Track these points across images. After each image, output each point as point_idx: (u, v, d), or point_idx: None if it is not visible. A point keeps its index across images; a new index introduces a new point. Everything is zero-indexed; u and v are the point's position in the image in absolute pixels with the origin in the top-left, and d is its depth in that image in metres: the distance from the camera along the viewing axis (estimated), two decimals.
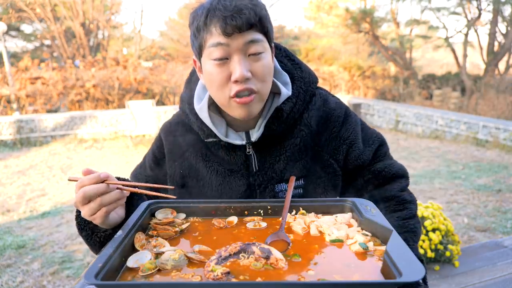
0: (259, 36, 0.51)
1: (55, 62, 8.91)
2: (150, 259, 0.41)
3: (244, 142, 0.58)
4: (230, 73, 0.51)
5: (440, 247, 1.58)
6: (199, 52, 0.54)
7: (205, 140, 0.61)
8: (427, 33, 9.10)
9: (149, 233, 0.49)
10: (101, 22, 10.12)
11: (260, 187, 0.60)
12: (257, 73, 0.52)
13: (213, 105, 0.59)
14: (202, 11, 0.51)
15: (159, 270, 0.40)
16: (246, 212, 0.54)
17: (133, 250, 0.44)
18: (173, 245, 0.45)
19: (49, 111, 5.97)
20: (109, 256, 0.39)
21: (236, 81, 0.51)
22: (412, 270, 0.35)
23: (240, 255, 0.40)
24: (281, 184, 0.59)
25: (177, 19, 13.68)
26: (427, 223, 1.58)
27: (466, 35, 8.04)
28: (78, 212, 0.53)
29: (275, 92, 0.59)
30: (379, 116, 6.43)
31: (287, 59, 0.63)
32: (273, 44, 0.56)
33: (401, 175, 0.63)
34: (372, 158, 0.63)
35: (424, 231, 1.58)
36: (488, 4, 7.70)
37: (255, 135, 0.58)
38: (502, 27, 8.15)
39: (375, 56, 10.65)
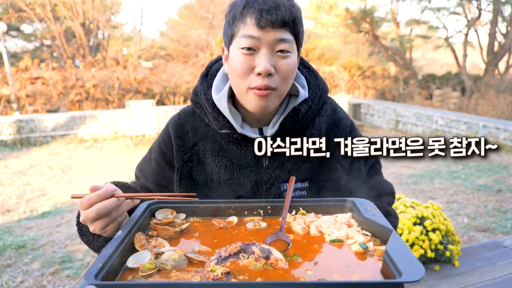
0: (289, 36, 0.53)
1: (55, 62, 8.89)
2: (150, 259, 0.41)
3: (259, 136, 0.59)
4: (254, 65, 0.53)
5: (440, 247, 1.58)
6: (229, 40, 0.55)
7: (219, 132, 0.61)
8: (427, 33, 9.10)
9: (149, 233, 0.49)
10: (101, 22, 10.11)
11: (267, 184, 0.60)
12: (280, 70, 0.53)
13: (230, 98, 0.60)
14: (241, 1, 0.53)
15: (159, 270, 0.40)
16: (246, 212, 0.54)
17: (133, 250, 0.44)
18: (173, 245, 0.45)
19: (49, 111, 5.95)
20: (109, 256, 0.39)
21: (258, 74, 0.52)
22: (412, 270, 0.35)
23: (240, 255, 0.40)
24: (287, 184, 0.60)
25: (177, 19, 13.66)
26: (427, 223, 1.58)
27: (466, 35, 8.04)
28: (78, 217, 0.52)
29: (292, 93, 0.61)
30: (379, 116, 6.43)
31: (302, 66, 0.66)
32: (300, 49, 0.57)
33: (391, 193, 0.68)
34: (367, 173, 0.67)
35: (424, 231, 1.58)
36: (488, 4, 7.70)
37: (269, 131, 0.59)
38: (502, 27, 8.17)
39: (375, 56, 10.65)
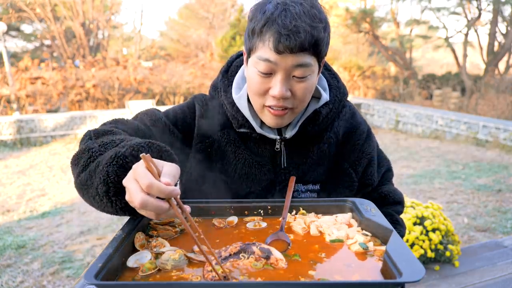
0: (309, 59, 0.50)
1: (55, 62, 8.89)
2: (150, 259, 0.41)
3: (278, 137, 0.59)
4: (270, 86, 0.52)
5: (440, 247, 1.57)
6: (248, 52, 0.54)
7: (237, 130, 0.60)
8: (427, 33, 9.09)
9: (149, 233, 0.48)
10: (101, 22, 10.11)
11: (281, 185, 0.60)
12: (297, 94, 0.52)
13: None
14: (262, 16, 0.50)
15: (159, 270, 0.40)
16: (246, 212, 0.54)
17: (133, 250, 0.44)
18: (173, 245, 0.45)
19: (49, 111, 5.95)
20: (109, 256, 0.39)
21: (273, 97, 0.52)
22: (412, 270, 0.35)
23: (240, 255, 0.40)
24: (298, 184, 0.61)
25: (177, 19, 13.65)
26: (427, 223, 1.58)
27: (466, 35, 8.03)
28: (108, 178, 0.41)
29: (313, 96, 0.60)
30: (379, 116, 6.43)
31: (325, 69, 0.65)
32: (323, 60, 0.55)
33: (401, 202, 0.69)
34: (380, 180, 0.68)
35: (424, 231, 1.58)
36: (488, 4, 7.69)
37: (289, 133, 0.59)
38: (502, 27, 8.16)
39: (375, 56, 10.64)
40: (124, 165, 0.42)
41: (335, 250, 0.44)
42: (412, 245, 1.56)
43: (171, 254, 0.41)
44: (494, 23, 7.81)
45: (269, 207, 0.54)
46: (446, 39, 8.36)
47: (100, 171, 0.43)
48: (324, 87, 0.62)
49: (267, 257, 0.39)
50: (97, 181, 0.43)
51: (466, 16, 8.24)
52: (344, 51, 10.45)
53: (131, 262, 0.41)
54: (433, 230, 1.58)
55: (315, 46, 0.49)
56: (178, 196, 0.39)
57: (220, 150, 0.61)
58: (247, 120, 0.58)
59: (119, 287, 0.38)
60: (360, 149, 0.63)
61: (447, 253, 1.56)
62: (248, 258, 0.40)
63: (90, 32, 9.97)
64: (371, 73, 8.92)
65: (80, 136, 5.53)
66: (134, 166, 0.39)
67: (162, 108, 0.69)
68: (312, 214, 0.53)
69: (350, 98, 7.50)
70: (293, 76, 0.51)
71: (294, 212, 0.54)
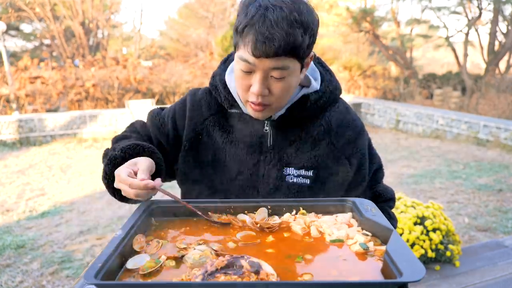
0: (287, 62, 0.52)
1: (55, 61, 8.90)
2: (149, 261, 0.41)
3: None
4: (251, 83, 0.55)
5: (441, 247, 1.57)
6: (234, 47, 0.56)
7: (229, 111, 0.64)
8: (428, 32, 9.08)
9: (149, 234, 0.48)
10: (100, 21, 10.10)
11: (269, 165, 0.62)
12: (275, 92, 0.55)
13: None
14: (243, 18, 0.51)
15: (159, 270, 0.40)
16: (246, 211, 0.54)
17: (133, 249, 0.45)
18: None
19: (48, 111, 5.94)
20: (109, 256, 0.39)
21: (252, 93, 0.55)
22: (412, 270, 0.34)
23: (228, 271, 0.38)
24: (289, 168, 0.62)
25: (177, 19, 13.65)
26: (427, 223, 1.57)
27: (467, 34, 8.02)
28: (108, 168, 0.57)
29: (304, 85, 0.62)
30: (379, 115, 6.42)
31: (319, 64, 0.67)
32: (307, 60, 0.56)
33: (393, 198, 0.71)
34: (371, 178, 0.68)
35: (424, 231, 1.57)
36: (489, 4, 7.68)
37: (277, 114, 0.61)
38: (502, 26, 8.15)
39: (376, 55, 10.63)
40: (116, 165, 0.56)
41: (335, 250, 0.44)
42: (412, 245, 1.55)
43: (194, 253, 0.41)
44: (494, 22, 7.80)
45: (269, 206, 0.54)
46: (447, 38, 8.36)
47: (102, 170, 0.59)
48: (315, 78, 0.64)
49: (257, 272, 0.37)
50: (102, 177, 0.59)
51: (466, 16, 8.23)
52: (344, 50, 10.44)
53: (130, 264, 0.41)
54: (434, 230, 1.58)
55: (292, 51, 0.51)
56: (159, 182, 0.51)
57: (210, 136, 0.64)
58: (235, 100, 0.62)
59: (119, 287, 0.38)
60: (354, 143, 0.64)
61: (448, 253, 1.56)
62: (236, 274, 0.38)
63: (90, 31, 9.97)
64: (371, 72, 8.91)
65: (79, 136, 5.56)
66: (116, 172, 0.53)
67: (163, 107, 0.72)
68: (312, 214, 0.53)
69: (350, 97, 7.53)
70: (271, 76, 0.54)
71: (294, 212, 0.54)
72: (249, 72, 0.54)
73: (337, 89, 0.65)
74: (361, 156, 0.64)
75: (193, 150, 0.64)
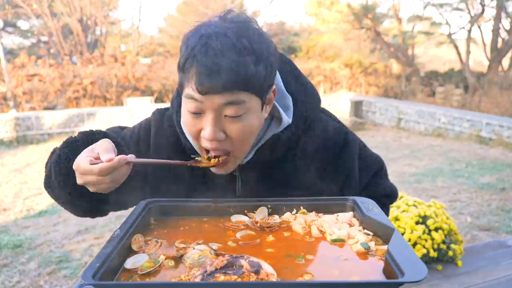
0: (242, 96, 0.45)
1: (52, 58, 8.87)
2: (148, 260, 0.41)
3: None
4: (202, 127, 0.47)
5: (443, 246, 1.56)
6: (180, 88, 0.48)
7: (191, 156, 0.55)
8: (430, 29, 9.02)
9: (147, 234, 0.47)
10: (98, 18, 10.03)
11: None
12: (232, 135, 0.47)
13: None
14: (185, 51, 0.45)
15: (157, 270, 0.39)
16: (246, 211, 0.53)
17: (131, 249, 0.44)
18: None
19: (46, 109, 5.92)
20: (107, 256, 0.38)
21: (205, 139, 0.47)
22: (414, 270, 0.34)
23: (228, 271, 0.37)
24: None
25: (176, 15, 13.55)
26: (429, 222, 1.56)
27: (469, 31, 7.99)
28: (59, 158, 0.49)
29: (273, 115, 0.55)
30: (381, 113, 6.38)
31: (293, 79, 0.58)
32: (270, 95, 0.49)
33: (391, 195, 0.66)
34: (370, 180, 0.64)
35: (426, 230, 1.56)
36: (492, 0, 7.60)
37: (244, 159, 0.54)
38: (505, 23, 8.10)
39: (377, 52, 10.54)
40: (75, 149, 0.48)
41: (336, 249, 0.43)
42: (414, 245, 1.54)
43: (193, 253, 0.40)
44: (497, 19, 7.72)
45: (269, 206, 0.53)
46: (449, 35, 8.33)
47: (55, 156, 0.50)
48: (287, 106, 0.56)
49: (257, 272, 0.37)
50: (51, 165, 0.50)
51: (469, 12, 8.17)
52: (345, 47, 10.36)
53: (129, 264, 0.40)
54: (436, 229, 1.56)
55: (245, 84, 0.43)
56: (132, 155, 0.45)
57: (176, 175, 0.58)
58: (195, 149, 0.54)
59: (117, 287, 0.37)
60: (335, 165, 0.58)
61: (450, 253, 1.54)
62: (236, 274, 0.37)
63: (88, 28, 9.89)
64: (373, 70, 8.86)
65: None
66: (75, 166, 0.45)
67: (161, 105, 0.67)
68: (313, 213, 0.52)
69: (351, 95, 7.48)
70: (225, 115, 0.46)
71: (294, 211, 0.53)
72: (199, 114, 0.46)
73: (313, 109, 0.57)
74: (346, 177, 0.59)
75: (156, 182, 0.57)
